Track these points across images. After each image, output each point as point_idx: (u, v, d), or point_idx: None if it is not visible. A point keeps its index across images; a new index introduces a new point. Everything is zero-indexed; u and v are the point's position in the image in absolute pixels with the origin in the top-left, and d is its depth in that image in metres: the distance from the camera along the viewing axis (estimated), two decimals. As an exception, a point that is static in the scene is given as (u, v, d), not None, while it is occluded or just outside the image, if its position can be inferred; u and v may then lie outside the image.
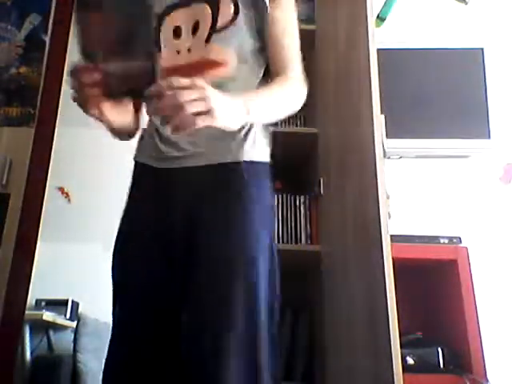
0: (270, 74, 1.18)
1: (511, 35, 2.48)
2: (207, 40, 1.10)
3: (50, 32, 2.31)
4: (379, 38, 1.66)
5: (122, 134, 1.13)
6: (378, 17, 2.35)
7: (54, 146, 2.16)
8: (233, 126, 0.94)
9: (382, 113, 1.46)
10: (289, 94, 1.10)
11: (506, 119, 2.33)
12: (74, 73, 0.93)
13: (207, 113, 0.84)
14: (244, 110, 0.95)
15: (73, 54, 2.32)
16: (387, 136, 2.07)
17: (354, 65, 1.60)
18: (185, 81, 0.84)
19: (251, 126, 1.10)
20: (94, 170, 3.22)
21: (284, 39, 1.16)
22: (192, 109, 0.83)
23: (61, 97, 2.22)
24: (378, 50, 1.51)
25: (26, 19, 2.35)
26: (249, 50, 1.15)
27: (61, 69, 2.24)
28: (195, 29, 1.15)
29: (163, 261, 1.04)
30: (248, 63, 1.15)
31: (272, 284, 1.02)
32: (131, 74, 0.89)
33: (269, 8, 1.15)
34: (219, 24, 1.13)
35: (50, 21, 2.32)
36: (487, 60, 2.32)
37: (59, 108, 2.21)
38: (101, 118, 0.98)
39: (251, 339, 0.95)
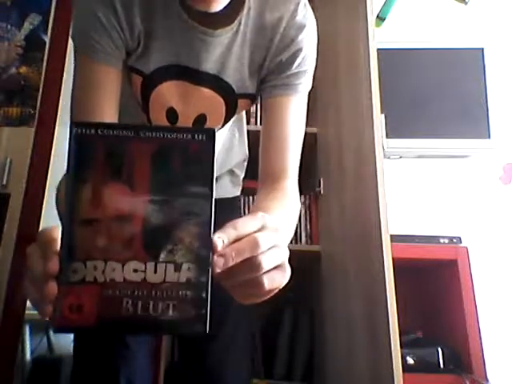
0: (259, 170, 0.96)
1: (511, 35, 2.48)
2: None
3: (49, 32, 2.31)
4: (379, 37, 1.66)
5: None
6: (377, 17, 2.34)
7: (54, 146, 2.16)
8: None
9: (381, 113, 1.46)
10: (293, 214, 0.90)
11: (506, 119, 2.32)
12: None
13: (281, 266, 0.56)
14: None
15: (73, 54, 2.32)
16: (387, 136, 2.07)
17: (354, 65, 1.60)
18: (254, 221, 0.55)
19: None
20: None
21: (290, 139, 0.94)
22: (270, 264, 0.54)
23: (61, 97, 2.22)
24: (378, 50, 1.51)
25: (26, 19, 2.35)
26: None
27: (61, 69, 2.24)
28: (196, 123, 1.00)
29: None
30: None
31: None
32: None
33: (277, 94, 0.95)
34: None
35: (50, 21, 2.32)
36: (487, 60, 2.32)
37: (59, 108, 2.20)
38: None
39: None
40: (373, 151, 1.40)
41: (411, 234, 1.98)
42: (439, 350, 1.81)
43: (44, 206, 2.09)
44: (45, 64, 2.26)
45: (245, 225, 0.54)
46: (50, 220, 2.31)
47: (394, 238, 1.40)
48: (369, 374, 1.36)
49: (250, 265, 0.52)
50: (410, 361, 1.77)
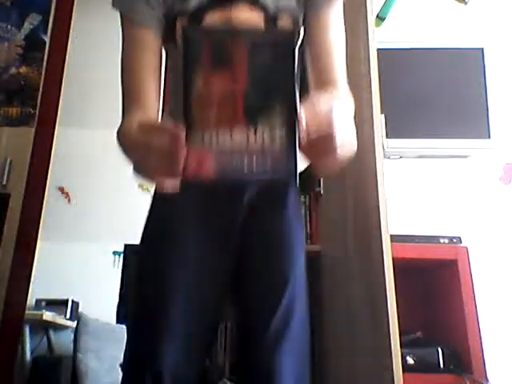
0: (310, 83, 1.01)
1: (511, 35, 2.48)
2: None
3: (49, 32, 2.31)
4: (379, 37, 1.66)
5: None
6: (377, 16, 2.34)
7: (54, 146, 2.16)
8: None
9: (381, 113, 1.46)
10: (351, 111, 0.97)
11: (506, 119, 2.32)
12: (161, 131, 0.65)
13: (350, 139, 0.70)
14: None
15: (73, 54, 2.33)
16: (387, 136, 2.07)
17: (354, 64, 1.60)
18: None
19: None
20: (93, 170, 3.22)
21: (336, 44, 1.03)
22: (342, 137, 0.67)
23: (61, 97, 2.22)
24: (378, 50, 1.51)
25: (25, 19, 2.35)
26: None
27: (61, 69, 2.24)
28: None
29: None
30: None
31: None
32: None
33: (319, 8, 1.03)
34: None
35: (50, 21, 2.32)
36: (487, 60, 2.32)
37: (59, 108, 2.20)
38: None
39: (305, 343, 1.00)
40: (373, 151, 1.40)
41: (411, 234, 1.98)
42: (439, 350, 1.81)
43: (44, 205, 2.09)
44: (45, 64, 2.26)
45: (322, 101, 0.66)
46: (51, 220, 2.30)
47: (394, 238, 1.39)
48: (369, 374, 1.36)
49: (326, 137, 0.64)
50: (410, 361, 1.77)
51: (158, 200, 1.04)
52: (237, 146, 0.63)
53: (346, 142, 0.67)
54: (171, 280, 0.96)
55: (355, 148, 0.71)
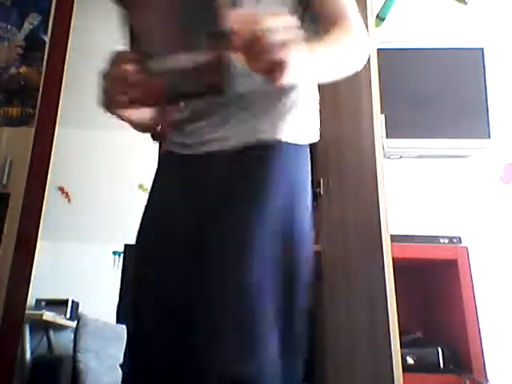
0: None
1: (511, 35, 2.48)
2: None
3: (49, 32, 2.31)
4: (379, 37, 1.66)
5: (142, 129, 0.96)
6: (377, 16, 2.34)
7: (53, 146, 2.16)
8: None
9: (382, 113, 1.46)
10: (355, 42, 0.90)
11: (506, 119, 2.32)
12: (118, 61, 0.74)
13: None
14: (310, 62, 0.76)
15: (73, 54, 2.33)
16: (387, 136, 2.07)
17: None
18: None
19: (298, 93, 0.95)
20: (93, 170, 3.22)
21: None
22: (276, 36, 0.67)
23: (61, 97, 2.22)
24: (378, 50, 1.51)
25: (25, 19, 2.35)
26: None
27: (61, 69, 2.24)
28: None
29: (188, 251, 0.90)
30: None
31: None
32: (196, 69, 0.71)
33: None
34: None
35: (50, 21, 2.32)
36: (487, 60, 2.32)
37: (59, 108, 2.20)
38: (124, 119, 0.82)
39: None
40: (373, 151, 1.40)
41: (411, 234, 1.98)
42: (439, 350, 1.81)
43: (44, 205, 2.09)
44: (45, 64, 2.26)
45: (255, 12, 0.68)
46: (51, 220, 2.29)
47: (394, 238, 1.40)
48: (369, 374, 1.36)
49: (258, 38, 0.65)
50: (410, 361, 1.77)
51: (151, 200, 1.02)
52: (180, 67, 0.69)
53: (277, 40, 0.66)
54: (162, 280, 0.92)
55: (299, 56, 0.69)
